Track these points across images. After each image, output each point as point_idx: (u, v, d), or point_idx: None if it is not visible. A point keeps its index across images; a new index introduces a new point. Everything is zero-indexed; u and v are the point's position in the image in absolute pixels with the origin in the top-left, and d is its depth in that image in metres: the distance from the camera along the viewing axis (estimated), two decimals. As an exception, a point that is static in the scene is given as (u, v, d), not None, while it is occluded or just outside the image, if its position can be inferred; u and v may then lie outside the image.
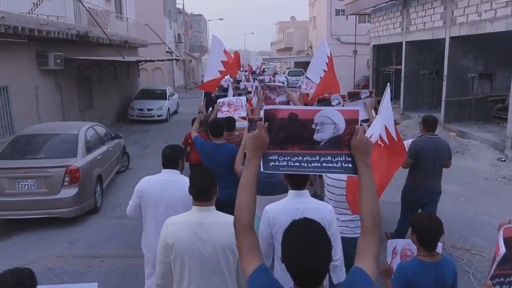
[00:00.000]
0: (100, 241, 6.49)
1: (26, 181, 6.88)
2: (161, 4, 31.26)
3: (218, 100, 6.90)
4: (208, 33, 56.87)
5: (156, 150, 12.86)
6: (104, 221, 7.39)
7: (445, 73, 14.68)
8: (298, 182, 2.94)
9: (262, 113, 1.95)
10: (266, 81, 10.81)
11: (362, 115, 5.24)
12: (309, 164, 1.90)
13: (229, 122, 5.79)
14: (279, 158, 1.89)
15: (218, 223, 2.69)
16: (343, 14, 28.50)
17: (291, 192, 2.99)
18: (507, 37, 11.68)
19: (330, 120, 1.88)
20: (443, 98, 14.84)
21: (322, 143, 1.90)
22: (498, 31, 11.67)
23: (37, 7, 11.42)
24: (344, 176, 3.50)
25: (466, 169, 10.12)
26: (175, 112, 21.57)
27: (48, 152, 7.49)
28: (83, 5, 13.90)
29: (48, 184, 6.93)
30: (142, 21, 23.60)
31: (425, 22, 16.01)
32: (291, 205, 2.82)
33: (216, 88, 8.68)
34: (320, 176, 6.15)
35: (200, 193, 2.76)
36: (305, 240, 1.62)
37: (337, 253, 2.97)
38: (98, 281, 5.19)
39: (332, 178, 3.92)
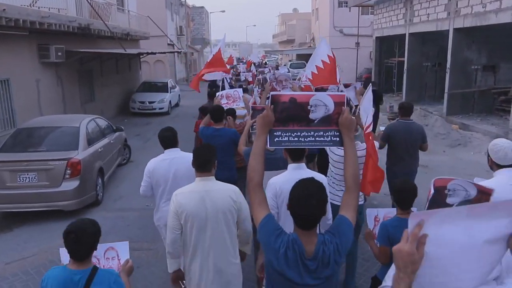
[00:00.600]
0: (101, 234, 6.50)
1: (28, 174, 6.89)
2: (163, -4, 31.11)
3: (217, 93, 7.40)
4: (210, 25, 56.68)
5: (158, 143, 12.80)
6: (105, 214, 7.40)
7: (448, 65, 14.57)
8: (297, 155, 3.48)
9: (269, 99, 2.41)
10: (266, 72, 11.26)
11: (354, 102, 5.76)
12: (305, 139, 2.39)
13: (230, 113, 6.17)
14: (282, 134, 2.37)
15: (220, 190, 3.25)
16: (346, 6, 28.36)
17: (290, 165, 3.51)
18: None
19: (322, 103, 2.35)
20: (446, 90, 14.74)
21: (316, 121, 2.37)
22: (503, 22, 11.56)
23: (38, -1, 11.37)
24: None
25: (468, 161, 10.09)
26: (177, 105, 21.54)
27: (50, 145, 7.49)
28: (84, -3, 13.84)
29: (49, 177, 6.94)
30: (143, 13, 23.49)
31: (428, 14, 15.87)
32: (293, 176, 3.12)
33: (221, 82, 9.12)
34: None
35: (203, 165, 3.26)
36: (308, 191, 2.13)
37: (329, 215, 3.47)
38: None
39: (338, 155, 4.25)
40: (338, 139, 2.37)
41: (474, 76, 14.75)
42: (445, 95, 14.79)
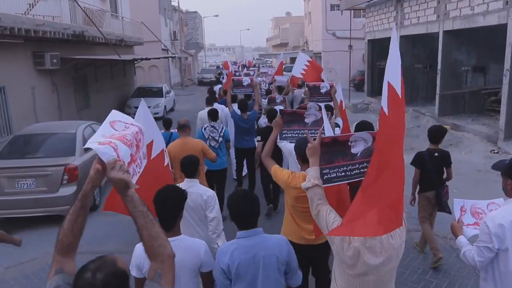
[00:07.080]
0: (99, 238, 6.60)
1: (26, 180, 6.99)
2: (156, 2, 31.25)
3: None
4: (204, 30, 56.83)
5: (154, 147, 12.87)
6: (103, 218, 7.42)
7: (439, 66, 14.80)
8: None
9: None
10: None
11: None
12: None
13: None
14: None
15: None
16: (338, 9, 28.62)
17: None
18: (499, 31, 11.79)
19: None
20: (437, 92, 14.97)
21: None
22: (490, 24, 11.79)
23: (32, 7, 11.48)
24: None
25: (459, 161, 10.24)
26: (172, 110, 21.63)
27: (47, 151, 7.59)
28: (79, 5, 13.95)
29: (47, 183, 7.03)
30: (137, 19, 23.63)
31: (418, 17, 16.12)
32: None
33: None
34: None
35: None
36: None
37: None
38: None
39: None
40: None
41: (465, 77, 15.00)
42: (437, 96, 15.01)
